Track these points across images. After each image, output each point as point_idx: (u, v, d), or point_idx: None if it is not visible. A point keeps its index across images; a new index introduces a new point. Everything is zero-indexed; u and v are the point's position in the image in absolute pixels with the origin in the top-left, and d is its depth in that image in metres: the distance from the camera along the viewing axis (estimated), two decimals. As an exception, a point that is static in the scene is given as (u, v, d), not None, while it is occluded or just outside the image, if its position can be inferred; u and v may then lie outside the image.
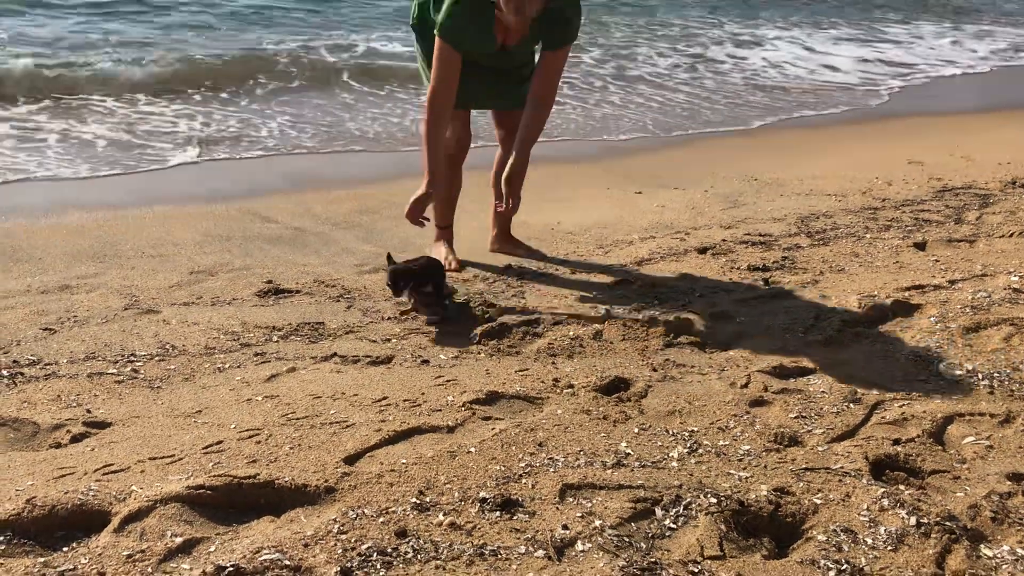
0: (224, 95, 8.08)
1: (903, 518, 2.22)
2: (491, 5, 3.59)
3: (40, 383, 2.99)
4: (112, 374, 3.08)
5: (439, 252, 4.33)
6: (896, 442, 2.62)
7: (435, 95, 3.80)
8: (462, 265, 4.30)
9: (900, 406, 2.85)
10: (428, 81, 3.93)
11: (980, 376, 3.06)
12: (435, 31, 3.70)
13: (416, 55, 4.20)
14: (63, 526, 2.16)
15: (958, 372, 3.11)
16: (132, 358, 3.22)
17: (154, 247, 4.54)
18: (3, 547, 2.07)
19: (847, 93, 9.95)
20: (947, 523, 2.20)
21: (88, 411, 2.79)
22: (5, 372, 3.06)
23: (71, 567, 2.00)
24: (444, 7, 3.68)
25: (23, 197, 5.33)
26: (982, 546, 2.16)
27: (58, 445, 2.60)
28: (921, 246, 4.59)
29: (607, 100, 8.98)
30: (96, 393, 2.93)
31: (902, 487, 2.39)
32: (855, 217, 5.20)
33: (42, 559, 2.03)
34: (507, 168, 3.96)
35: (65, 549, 2.09)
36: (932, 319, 3.54)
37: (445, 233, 4.45)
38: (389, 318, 3.65)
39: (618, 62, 10.59)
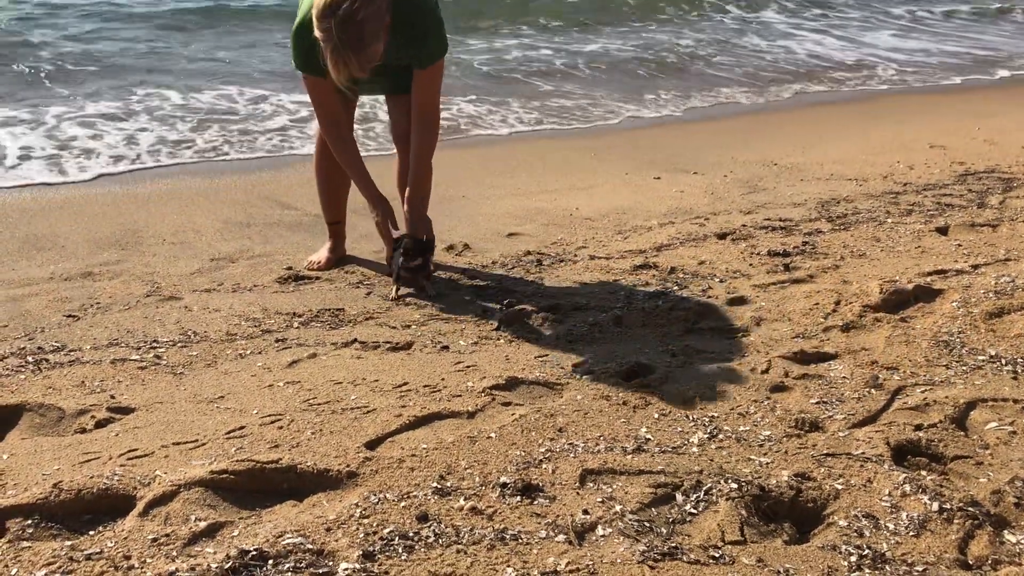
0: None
1: (925, 504, 2.21)
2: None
3: (64, 369, 3.02)
4: (135, 360, 3.10)
5: (320, 252, 4.19)
6: (918, 428, 2.60)
7: (323, 127, 3.69)
8: (337, 265, 4.14)
9: (922, 391, 2.83)
10: (296, 58, 3.59)
11: (1003, 361, 3.04)
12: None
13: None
14: (89, 510, 2.19)
15: (981, 357, 3.09)
16: (155, 344, 3.24)
17: (174, 234, 4.57)
18: (31, 531, 2.10)
19: (864, 74, 9.86)
20: (970, 509, 2.19)
21: (112, 397, 2.82)
22: (30, 358, 3.09)
23: (97, 550, 2.03)
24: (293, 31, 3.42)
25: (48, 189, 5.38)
26: (1005, 532, 2.15)
27: (83, 430, 2.63)
28: (943, 231, 4.55)
29: (620, 81, 8.95)
30: (120, 379, 2.96)
31: (924, 473, 2.38)
32: (876, 202, 5.16)
33: (69, 543, 2.06)
34: (406, 200, 3.74)
35: (91, 533, 2.11)
36: (954, 304, 3.52)
37: (330, 231, 4.22)
38: (408, 304, 3.66)
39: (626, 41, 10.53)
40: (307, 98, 4.03)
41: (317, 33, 3.14)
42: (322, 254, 4.19)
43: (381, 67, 3.38)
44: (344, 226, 4.25)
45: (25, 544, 2.05)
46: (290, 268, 4.08)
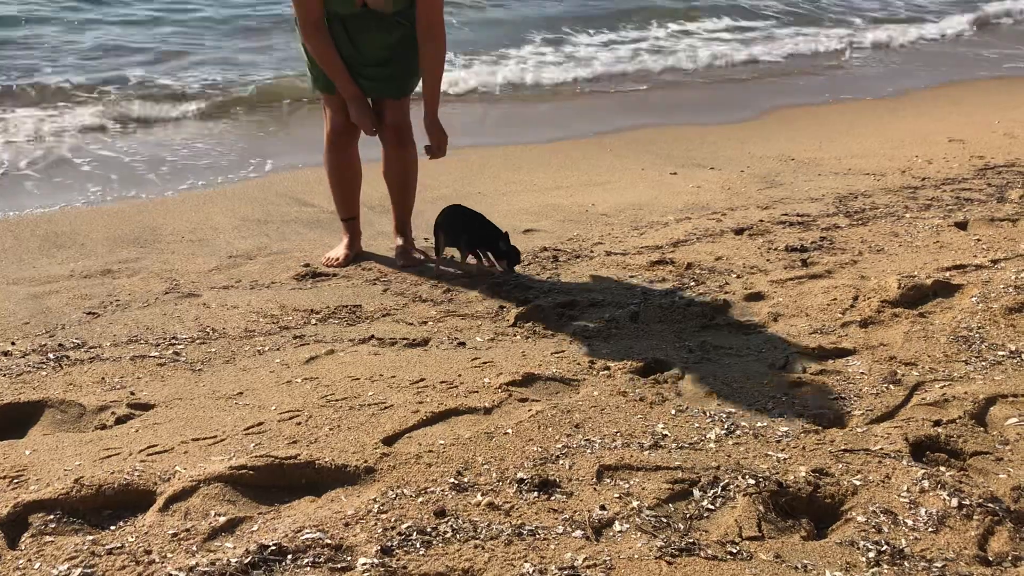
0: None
1: (944, 499, 2.20)
2: None
3: (85, 366, 3.05)
4: (154, 357, 3.13)
5: (337, 249, 4.24)
6: (937, 423, 2.59)
7: (299, 16, 3.75)
8: (355, 261, 4.19)
9: (941, 387, 2.81)
10: (311, 77, 3.99)
11: (1023, 357, 3.02)
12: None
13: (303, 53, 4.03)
14: (110, 505, 2.21)
15: (1001, 353, 3.07)
16: (174, 341, 3.27)
17: (193, 231, 4.59)
18: (53, 525, 2.12)
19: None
20: (989, 505, 2.17)
21: (132, 393, 2.84)
22: (51, 355, 3.12)
23: (118, 545, 2.04)
24: None
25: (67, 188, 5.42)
26: (1025, 528, 2.14)
27: (104, 426, 2.66)
28: (962, 225, 4.51)
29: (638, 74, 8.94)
30: (139, 375, 2.98)
31: (943, 468, 2.37)
32: (894, 196, 5.13)
33: (90, 537, 2.08)
34: (425, 114, 3.92)
35: (112, 528, 2.13)
36: (974, 299, 3.49)
37: (346, 227, 4.28)
38: (425, 300, 3.68)
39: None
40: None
41: None
42: (339, 250, 4.20)
43: (370, 24, 3.71)
44: (359, 222, 4.27)
45: (48, 539, 2.08)
46: (307, 265, 4.10)
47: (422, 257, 4.20)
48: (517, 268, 4.00)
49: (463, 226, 4.01)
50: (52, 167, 5.75)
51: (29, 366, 3.03)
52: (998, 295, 3.50)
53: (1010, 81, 9.33)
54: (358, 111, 3.93)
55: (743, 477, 2.30)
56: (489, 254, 4.06)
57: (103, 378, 2.95)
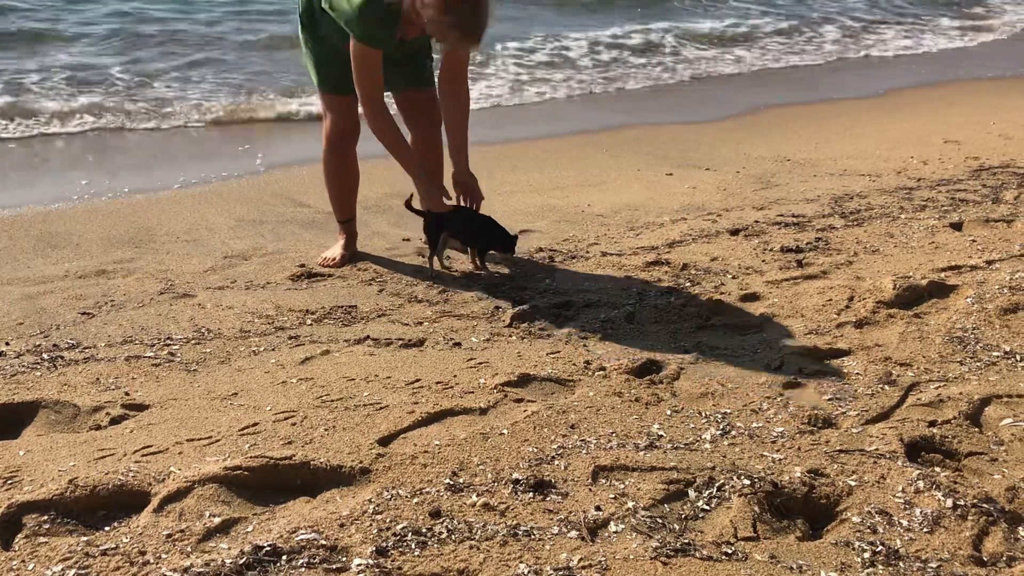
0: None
1: (939, 500, 2.20)
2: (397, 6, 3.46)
3: (79, 366, 3.04)
4: (149, 357, 3.12)
5: (330, 249, 4.24)
6: (932, 424, 2.59)
7: (367, 97, 3.68)
8: (350, 262, 4.19)
9: (936, 388, 2.82)
10: (316, 77, 3.92)
11: (1018, 357, 3.02)
12: (353, 37, 3.55)
13: (301, 47, 3.98)
14: (104, 506, 2.21)
15: (995, 354, 3.07)
16: (169, 341, 3.26)
17: (188, 232, 4.59)
18: (47, 526, 2.11)
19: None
20: (984, 505, 2.18)
21: (127, 394, 2.83)
22: (45, 356, 3.11)
23: (113, 546, 2.04)
24: (351, 14, 3.49)
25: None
26: (1020, 529, 2.14)
27: (98, 427, 2.65)
28: (957, 226, 4.52)
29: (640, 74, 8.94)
30: (134, 376, 2.98)
31: (938, 469, 2.37)
32: (890, 197, 5.14)
33: (85, 538, 2.07)
34: (458, 177, 3.93)
35: (107, 528, 2.13)
36: (969, 300, 3.50)
37: (343, 228, 4.27)
38: (421, 301, 3.67)
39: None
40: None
41: (441, 14, 3.27)
42: (335, 251, 4.20)
43: (398, 49, 3.67)
44: (356, 223, 4.26)
45: (42, 540, 2.07)
46: (303, 265, 4.09)
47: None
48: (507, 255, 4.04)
49: (478, 228, 3.95)
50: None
51: (23, 366, 3.02)
52: (993, 296, 3.51)
53: (1004, 82, 9.35)
54: (431, 185, 3.88)
55: (738, 478, 2.30)
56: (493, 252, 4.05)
57: (98, 378, 2.95)
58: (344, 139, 4.02)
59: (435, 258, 4.03)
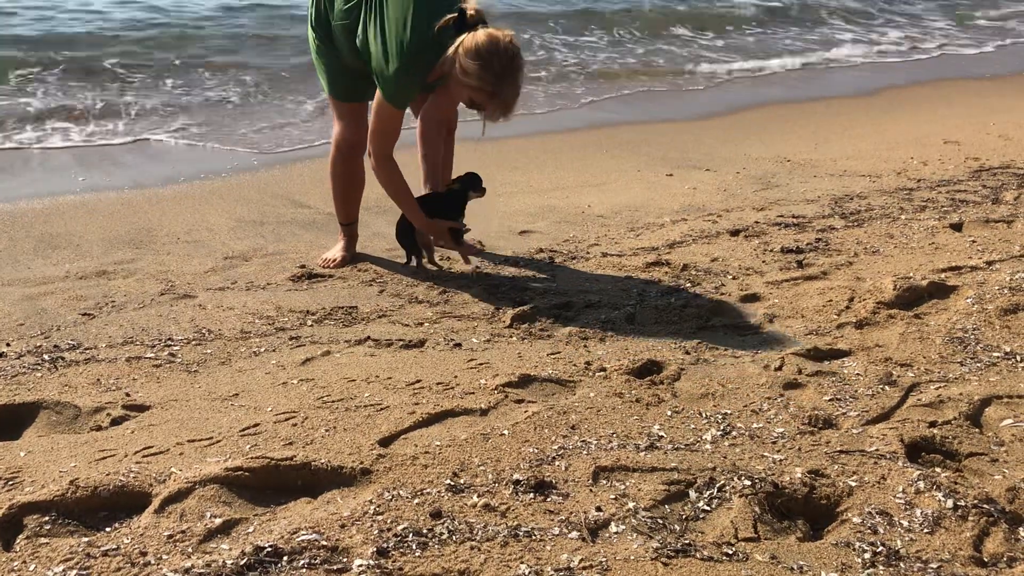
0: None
1: (940, 500, 2.20)
2: (433, 60, 3.48)
3: (80, 367, 3.04)
4: (150, 358, 3.12)
5: (331, 250, 4.25)
6: (932, 424, 2.59)
7: (379, 150, 3.72)
8: (351, 263, 4.20)
9: (936, 388, 2.82)
10: (327, 83, 3.93)
11: (1018, 358, 3.03)
12: (382, 94, 3.58)
13: (311, 52, 3.98)
14: (105, 507, 2.21)
15: (995, 354, 3.07)
16: (169, 342, 3.26)
17: (188, 233, 4.59)
18: (48, 527, 2.11)
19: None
20: (985, 506, 2.18)
21: (127, 394, 2.84)
22: (46, 356, 3.11)
23: (114, 547, 2.04)
24: (392, 76, 3.49)
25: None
26: (1021, 529, 2.14)
27: (99, 428, 2.65)
28: (958, 227, 4.52)
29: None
30: (135, 377, 2.98)
31: (938, 470, 2.38)
32: (890, 198, 5.14)
33: (86, 539, 2.08)
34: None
35: (108, 529, 2.13)
36: (969, 300, 3.50)
37: (345, 230, 4.29)
38: (421, 302, 3.68)
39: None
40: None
41: (480, 82, 3.35)
42: (336, 252, 4.21)
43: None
44: (357, 226, 4.27)
45: (43, 540, 2.07)
46: (303, 266, 4.09)
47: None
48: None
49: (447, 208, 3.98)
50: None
51: (24, 367, 3.02)
52: (993, 296, 3.51)
53: (1002, 82, 9.36)
54: (440, 228, 3.93)
55: (739, 478, 2.30)
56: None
57: (98, 379, 2.95)
58: (352, 147, 4.03)
59: (421, 259, 4.10)
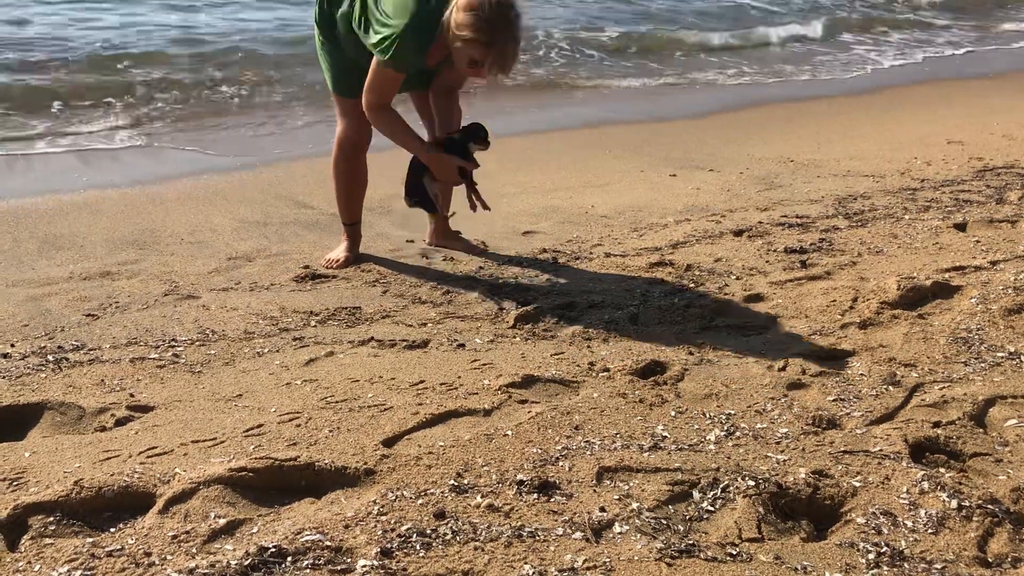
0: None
1: (944, 501, 2.20)
2: (434, 30, 3.45)
3: (84, 368, 3.05)
4: (154, 359, 3.13)
5: (338, 251, 4.23)
6: (936, 425, 2.59)
7: (372, 103, 3.67)
8: (355, 263, 4.18)
9: (940, 388, 2.82)
10: (330, 80, 3.91)
11: (1022, 358, 3.02)
12: (379, 59, 3.53)
13: (317, 48, 3.96)
14: (110, 507, 2.21)
15: (1000, 354, 3.07)
16: (173, 343, 3.27)
17: (192, 233, 4.59)
18: (53, 528, 2.12)
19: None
20: (989, 506, 2.18)
21: (131, 395, 2.84)
22: (50, 357, 3.12)
23: (118, 547, 2.05)
24: (385, 37, 3.46)
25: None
26: (1025, 529, 2.14)
27: (103, 428, 2.66)
28: (961, 227, 4.52)
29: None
30: (139, 377, 2.98)
31: (943, 470, 2.37)
32: (893, 198, 5.14)
33: (90, 539, 2.08)
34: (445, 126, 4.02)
35: (112, 530, 2.13)
36: (973, 300, 3.50)
37: (348, 230, 4.25)
38: (424, 302, 3.68)
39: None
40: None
41: (474, 32, 3.31)
42: (340, 252, 4.21)
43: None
44: (360, 226, 4.27)
45: (47, 541, 2.08)
46: (307, 267, 4.10)
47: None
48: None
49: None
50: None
51: (29, 368, 3.03)
52: (997, 296, 3.50)
53: (1004, 81, 9.35)
54: (435, 148, 3.88)
55: (743, 479, 2.30)
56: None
57: (102, 380, 2.95)
58: (355, 145, 4.02)
59: (437, 210, 4.16)
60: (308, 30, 4.10)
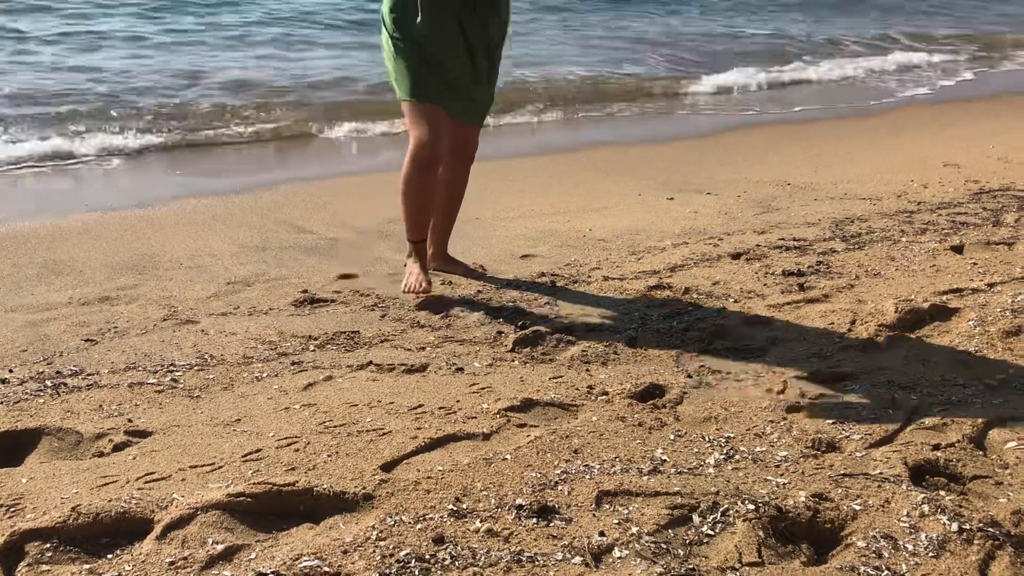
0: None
1: (944, 524, 2.19)
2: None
3: (82, 393, 3.04)
4: (152, 384, 3.12)
5: (409, 273, 4.06)
6: (936, 447, 2.59)
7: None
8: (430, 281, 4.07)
9: (939, 411, 2.82)
10: (406, 85, 3.74)
11: (1021, 380, 3.02)
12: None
13: (383, 47, 3.83)
14: (107, 533, 2.20)
15: (999, 376, 3.07)
16: (172, 368, 3.26)
17: (191, 258, 4.60)
18: (50, 554, 2.11)
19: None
20: (990, 529, 2.17)
21: (129, 420, 2.83)
22: (48, 382, 3.12)
23: (115, 574, 2.04)
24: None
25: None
26: (1026, 552, 2.13)
27: (101, 454, 2.65)
28: (959, 249, 4.53)
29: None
30: (137, 403, 2.98)
31: (943, 493, 2.37)
32: (890, 221, 5.15)
33: (87, 566, 2.07)
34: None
35: (109, 556, 2.12)
36: (971, 323, 3.50)
37: (417, 249, 4.09)
38: (423, 326, 3.68)
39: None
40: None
41: None
42: (418, 279, 3.97)
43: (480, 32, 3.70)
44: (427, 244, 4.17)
45: (44, 568, 2.07)
46: (305, 291, 4.10)
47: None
48: None
49: None
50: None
51: (27, 393, 3.02)
52: (995, 319, 3.51)
53: (998, 103, 9.42)
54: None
55: (742, 502, 2.29)
56: None
57: (100, 405, 2.95)
58: (430, 158, 3.80)
59: None
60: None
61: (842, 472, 2.46)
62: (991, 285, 3.91)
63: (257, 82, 8.93)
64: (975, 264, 4.26)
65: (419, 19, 3.61)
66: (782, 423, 2.77)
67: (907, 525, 2.21)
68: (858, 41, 13.32)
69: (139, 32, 10.95)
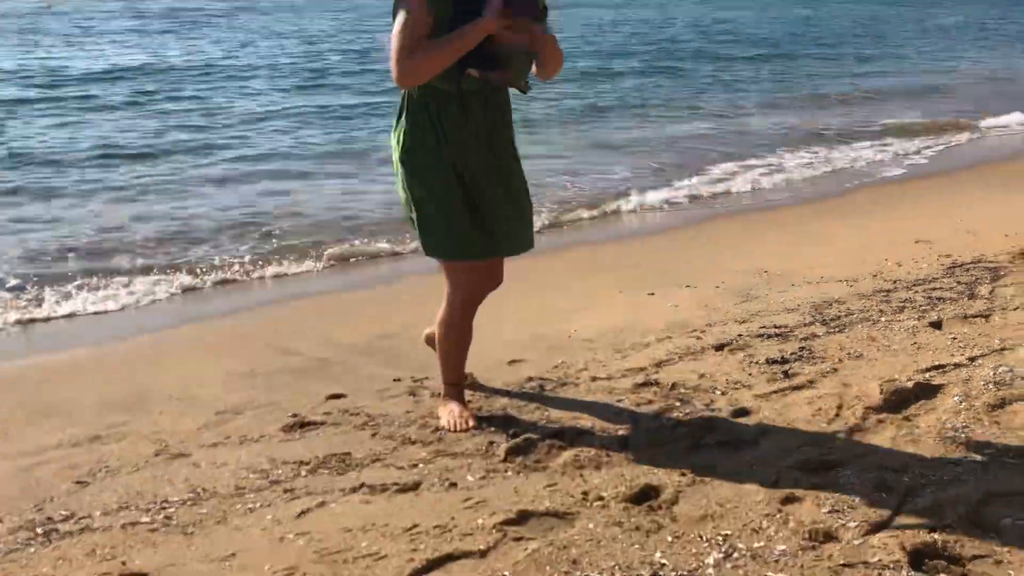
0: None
1: (948, 609, 2.19)
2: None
3: (74, 538, 3.02)
4: (145, 523, 3.10)
5: (451, 411, 3.82)
6: (932, 529, 2.60)
7: (406, 62, 3.07)
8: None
9: (932, 491, 2.83)
10: (426, 237, 3.47)
11: (1010, 454, 3.05)
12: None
13: (400, 195, 3.56)
14: None
15: (988, 451, 3.09)
16: (164, 504, 3.25)
17: (181, 390, 4.61)
18: None
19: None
20: (993, 611, 2.17)
21: (123, 563, 2.81)
22: (39, 529, 3.09)
23: None
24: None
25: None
26: (1031, 632, 2.12)
27: (96, 601, 2.62)
28: (937, 325, 4.60)
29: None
30: (131, 544, 2.95)
31: (944, 576, 2.37)
32: (868, 301, 5.24)
33: None
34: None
35: None
36: (956, 399, 3.54)
37: (457, 391, 3.92)
38: (414, 442, 3.68)
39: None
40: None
41: None
42: (464, 413, 3.80)
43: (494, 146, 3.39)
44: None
45: None
46: (295, 415, 4.10)
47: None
48: None
49: None
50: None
51: (18, 543, 2.99)
52: (979, 392, 3.55)
53: (962, 174, 9.68)
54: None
55: (744, 602, 2.28)
56: None
57: (94, 549, 2.92)
58: (473, 305, 3.68)
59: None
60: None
61: (841, 563, 2.46)
62: (972, 359, 3.97)
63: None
64: (955, 339, 4.32)
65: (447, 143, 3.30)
66: (778, 516, 2.77)
67: (911, 613, 2.20)
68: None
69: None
